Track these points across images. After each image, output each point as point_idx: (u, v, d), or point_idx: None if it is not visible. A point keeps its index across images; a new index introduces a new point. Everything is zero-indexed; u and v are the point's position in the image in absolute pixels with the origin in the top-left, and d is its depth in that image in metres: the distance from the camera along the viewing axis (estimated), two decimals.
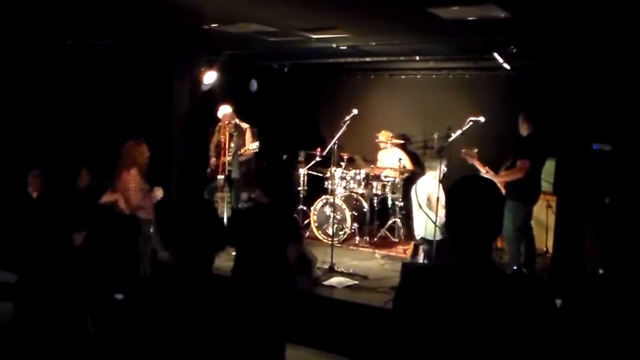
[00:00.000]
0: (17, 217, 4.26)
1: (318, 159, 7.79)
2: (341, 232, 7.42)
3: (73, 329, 3.20)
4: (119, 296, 3.89)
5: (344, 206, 7.39)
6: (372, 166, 7.91)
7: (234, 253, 3.87)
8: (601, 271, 5.49)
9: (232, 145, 7.30)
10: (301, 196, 7.95)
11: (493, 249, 1.90)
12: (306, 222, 7.80)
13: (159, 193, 5.19)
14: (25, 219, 4.20)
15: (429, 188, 5.82)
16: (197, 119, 7.71)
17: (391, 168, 7.66)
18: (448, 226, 1.87)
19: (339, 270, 6.09)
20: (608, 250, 5.54)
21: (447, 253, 5.38)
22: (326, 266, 6.11)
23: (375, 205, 7.74)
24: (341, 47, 6.58)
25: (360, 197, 7.69)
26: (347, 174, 7.70)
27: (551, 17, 4.82)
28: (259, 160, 7.80)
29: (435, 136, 7.88)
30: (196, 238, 1.98)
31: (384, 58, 7.50)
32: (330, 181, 7.56)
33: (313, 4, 4.67)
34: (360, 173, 7.67)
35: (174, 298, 1.90)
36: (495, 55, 5.82)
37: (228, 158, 7.33)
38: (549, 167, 6.48)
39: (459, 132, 5.77)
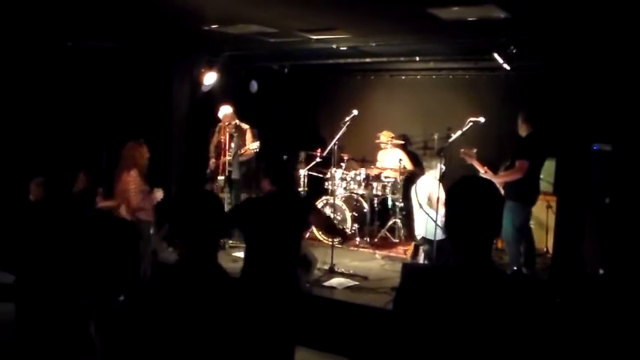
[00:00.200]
0: (16, 220, 4.28)
1: (318, 160, 7.79)
2: None
3: (73, 330, 3.21)
4: (120, 297, 3.90)
5: (344, 207, 7.39)
6: (372, 166, 7.92)
7: (240, 254, 3.86)
8: (601, 271, 5.49)
9: (232, 145, 7.30)
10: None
11: (493, 249, 1.91)
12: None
13: (159, 194, 5.19)
14: (24, 222, 4.21)
15: (430, 187, 5.82)
16: (197, 120, 7.72)
17: (391, 168, 7.66)
18: (447, 227, 1.87)
19: (339, 271, 6.08)
20: (608, 250, 5.54)
21: (447, 254, 5.38)
22: (326, 267, 6.10)
23: (376, 205, 7.73)
24: (341, 48, 6.59)
25: (360, 198, 7.69)
26: (347, 175, 7.70)
27: (551, 17, 4.82)
28: (259, 160, 7.81)
29: (435, 136, 7.87)
30: (201, 226, 1.99)
31: (384, 59, 7.50)
32: (330, 182, 7.56)
33: (313, 5, 4.67)
34: (360, 174, 7.67)
35: (175, 298, 1.89)
36: (495, 55, 5.82)
37: (228, 158, 7.33)
38: (549, 167, 6.48)
39: (459, 132, 5.77)
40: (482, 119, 5.75)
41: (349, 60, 7.51)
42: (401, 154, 7.86)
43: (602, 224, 5.64)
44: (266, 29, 5.70)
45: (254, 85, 8.58)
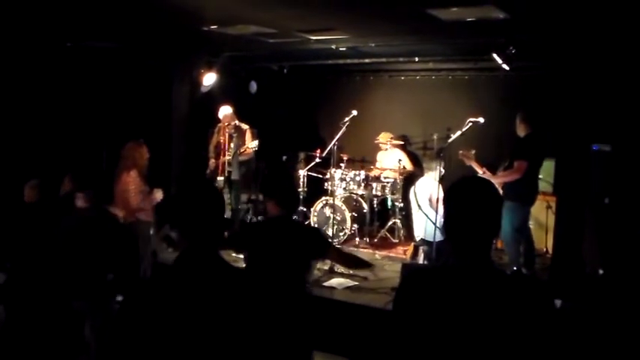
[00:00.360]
0: (10, 221, 4.29)
1: (317, 160, 7.79)
2: (341, 233, 7.41)
3: (66, 331, 3.20)
4: (117, 298, 3.90)
5: (344, 207, 7.39)
6: (372, 167, 7.92)
7: (240, 255, 3.74)
8: (601, 271, 5.49)
9: (232, 146, 7.31)
10: (301, 197, 7.95)
11: (493, 249, 1.91)
12: (305, 223, 7.79)
13: (158, 194, 5.19)
14: (17, 224, 4.21)
15: (430, 189, 5.82)
16: (197, 121, 7.73)
17: (391, 169, 7.66)
18: (446, 227, 1.87)
19: (339, 271, 6.08)
20: (608, 250, 5.54)
21: (446, 255, 5.38)
22: (326, 267, 6.11)
23: (375, 206, 7.74)
24: (340, 48, 6.59)
25: (359, 198, 7.69)
26: (347, 175, 7.70)
27: (550, 18, 4.82)
28: (259, 160, 7.82)
29: (435, 137, 7.88)
30: (202, 215, 1.98)
31: (384, 59, 7.50)
32: (329, 182, 7.57)
33: (312, 5, 4.68)
34: (359, 174, 7.67)
35: (177, 291, 1.87)
36: (494, 55, 5.82)
37: (227, 158, 7.33)
38: (549, 167, 6.49)
39: (458, 133, 5.77)
40: (481, 119, 5.75)
41: (348, 60, 7.51)
42: (400, 154, 7.86)
43: (601, 224, 5.64)
44: (265, 30, 5.70)
45: (253, 86, 8.59)
